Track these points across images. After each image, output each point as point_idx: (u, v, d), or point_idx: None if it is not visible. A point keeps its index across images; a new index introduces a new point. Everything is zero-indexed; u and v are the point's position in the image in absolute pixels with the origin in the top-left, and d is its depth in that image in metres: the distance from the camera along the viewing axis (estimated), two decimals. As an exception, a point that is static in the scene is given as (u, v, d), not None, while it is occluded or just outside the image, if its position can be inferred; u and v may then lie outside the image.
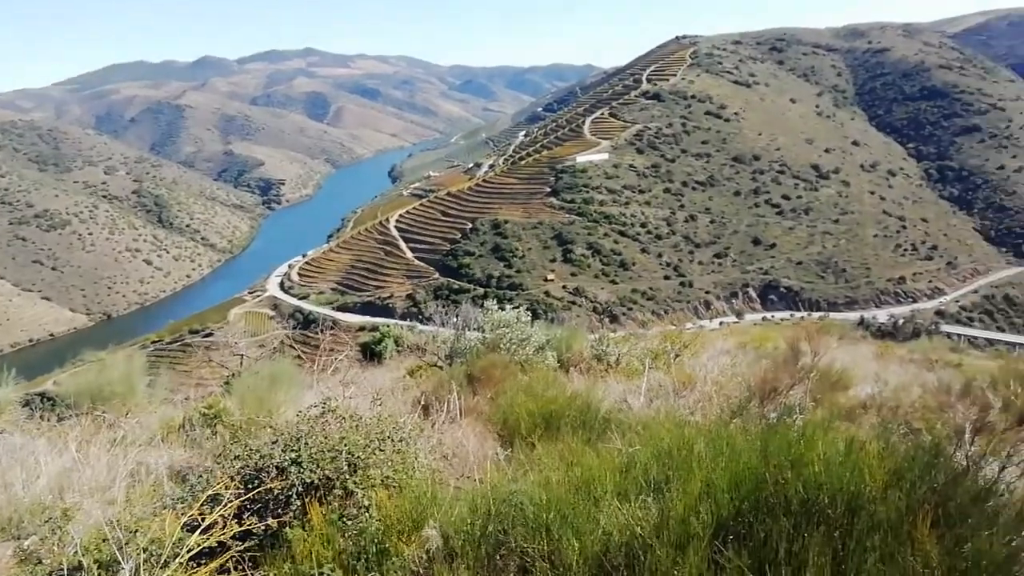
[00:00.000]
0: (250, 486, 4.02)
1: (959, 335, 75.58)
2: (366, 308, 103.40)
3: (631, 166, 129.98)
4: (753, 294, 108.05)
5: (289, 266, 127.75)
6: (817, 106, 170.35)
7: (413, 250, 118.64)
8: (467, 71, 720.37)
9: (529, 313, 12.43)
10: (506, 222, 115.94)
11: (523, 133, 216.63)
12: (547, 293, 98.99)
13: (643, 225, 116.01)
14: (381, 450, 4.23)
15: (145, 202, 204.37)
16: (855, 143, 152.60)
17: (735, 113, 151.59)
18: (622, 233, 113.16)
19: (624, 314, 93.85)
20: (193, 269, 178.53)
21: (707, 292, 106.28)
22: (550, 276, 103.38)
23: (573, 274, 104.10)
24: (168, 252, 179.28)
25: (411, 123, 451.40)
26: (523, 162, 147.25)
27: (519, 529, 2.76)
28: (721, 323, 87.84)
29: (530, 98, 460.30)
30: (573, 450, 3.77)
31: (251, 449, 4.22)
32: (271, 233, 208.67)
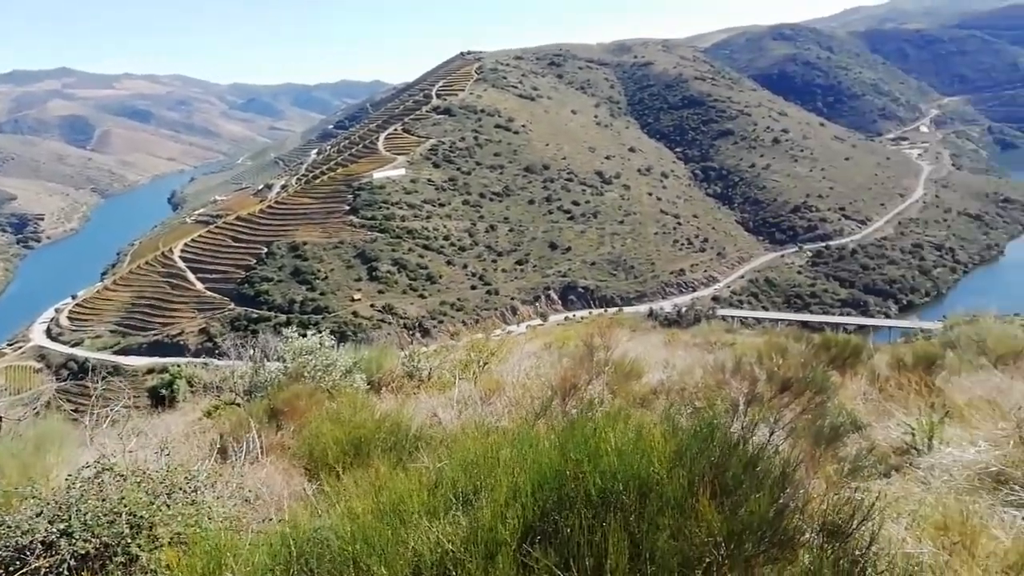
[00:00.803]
0: (11, 569, 3.48)
1: (733, 317, 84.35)
2: (154, 348, 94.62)
3: (429, 180, 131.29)
4: (555, 296, 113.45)
5: (56, 310, 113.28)
6: (596, 116, 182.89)
7: (203, 280, 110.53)
8: (249, 89, 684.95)
9: (334, 336, 12.04)
10: (305, 243, 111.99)
11: (315, 151, 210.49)
12: (355, 313, 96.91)
13: (446, 238, 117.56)
14: (169, 505, 3.85)
15: None
16: (632, 149, 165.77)
17: (523, 125, 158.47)
18: (426, 247, 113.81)
19: (435, 327, 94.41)
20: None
21: (512, 298, 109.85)
22: (357, 296, 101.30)
23: (381, 291, 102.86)
24: None
25: (191, 145, 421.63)
26: (318, 181, 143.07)
27: (326, 566, 2.63)
28: (528, 326, 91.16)
29: (320, 116, 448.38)
30: (382, 474, 3.68)
31: (9, 526, 3.66)
32: (31, 275, 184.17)
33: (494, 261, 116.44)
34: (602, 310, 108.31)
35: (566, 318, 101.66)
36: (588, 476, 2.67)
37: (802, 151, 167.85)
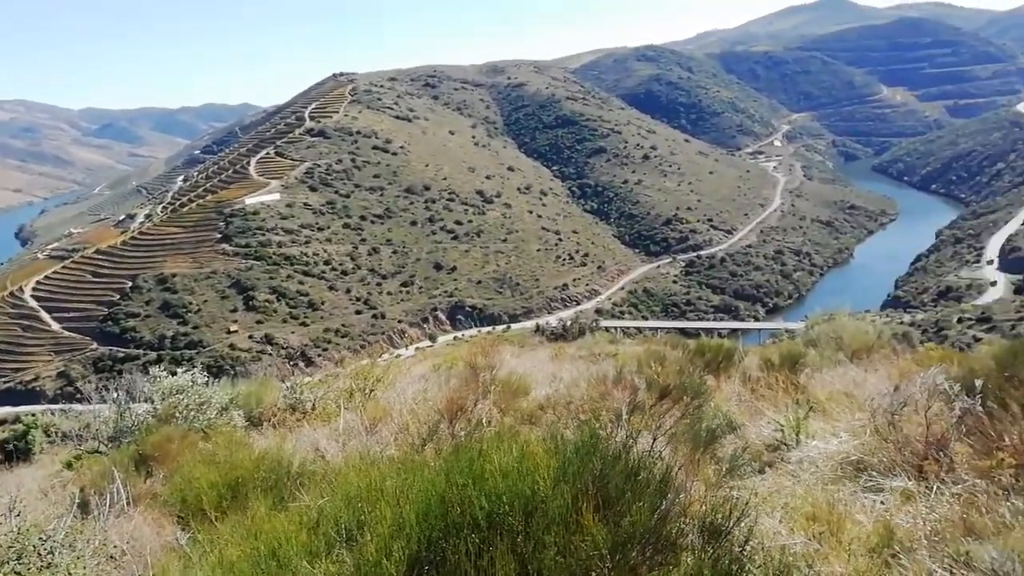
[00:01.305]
0: None
1: (616, 327, 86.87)
2: (5, 397, 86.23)
3: (306, 204, 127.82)
4: (443, 316, 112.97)
5: None
6: (473, 137, 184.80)
7: (60, 320, 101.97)
8: (105, 114, 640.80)
9: (210, 372, 11.39)
10: (174, 275, 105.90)
11: (182, 178, 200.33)
12: (232, 346, 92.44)
13: (327, 263, 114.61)
14: (19, 572, 3.47)
15: None
16: (510, 168, 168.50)
17: (401, 147, 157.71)
18: (306, 273, 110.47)
19: (320, 355, 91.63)
20: None
21: (400, 321, 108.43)
22: (233, 327, 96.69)
23: (259, 321, 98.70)
24: None
25: (40, 175, 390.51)
26: (186, 209, 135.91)
27: (197, 625, 2.44)
28: (417, 349, 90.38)
29: (185, 140, 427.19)
30: (259, 517, 3.48)
31: None
32: None
33: (379, 284, 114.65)
34: (490, 328, 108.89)
35: (455, 338, 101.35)
36: (474, 500, 2.63)
37: (670, 166, 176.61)
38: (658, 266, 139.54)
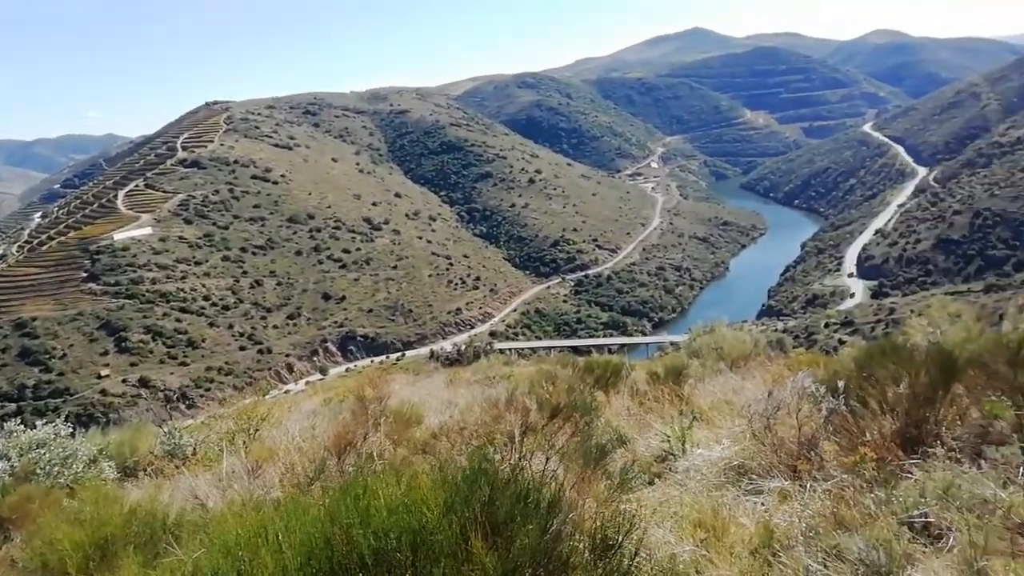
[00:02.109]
0: None
1: (510, 349, 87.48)
2: None
3: (181, 238, 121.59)
4: (333, 348, 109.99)
5: None
6: (358, 164, 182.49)
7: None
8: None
9: (75, 422, 10.55)
10: (34, 319, 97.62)
11: (40, 214, 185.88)
12: (104, 392, 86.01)
13: (206, 298, 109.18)
14: None
15: None
16: (397, 195, 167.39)
17: (282, 175, 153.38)
18: (184, 310, 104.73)
19: (202, 396, 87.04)
20: None
21: (287, 355, 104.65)
22: (104, 372, 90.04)
23: (133, 364, 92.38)
24: None
25: None
26: (46, 247, 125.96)
27: None
28: (307, 383, 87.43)
29: (42, 174, 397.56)
30: (128, 577, 3.21)
31: None
32: None
33: (263, 318, 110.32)
34: (384, 357, 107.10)
35: (347, 369, 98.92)
36: (360, 539, 2.54)
37: (555, 189, 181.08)
38: (548, 286, 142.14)
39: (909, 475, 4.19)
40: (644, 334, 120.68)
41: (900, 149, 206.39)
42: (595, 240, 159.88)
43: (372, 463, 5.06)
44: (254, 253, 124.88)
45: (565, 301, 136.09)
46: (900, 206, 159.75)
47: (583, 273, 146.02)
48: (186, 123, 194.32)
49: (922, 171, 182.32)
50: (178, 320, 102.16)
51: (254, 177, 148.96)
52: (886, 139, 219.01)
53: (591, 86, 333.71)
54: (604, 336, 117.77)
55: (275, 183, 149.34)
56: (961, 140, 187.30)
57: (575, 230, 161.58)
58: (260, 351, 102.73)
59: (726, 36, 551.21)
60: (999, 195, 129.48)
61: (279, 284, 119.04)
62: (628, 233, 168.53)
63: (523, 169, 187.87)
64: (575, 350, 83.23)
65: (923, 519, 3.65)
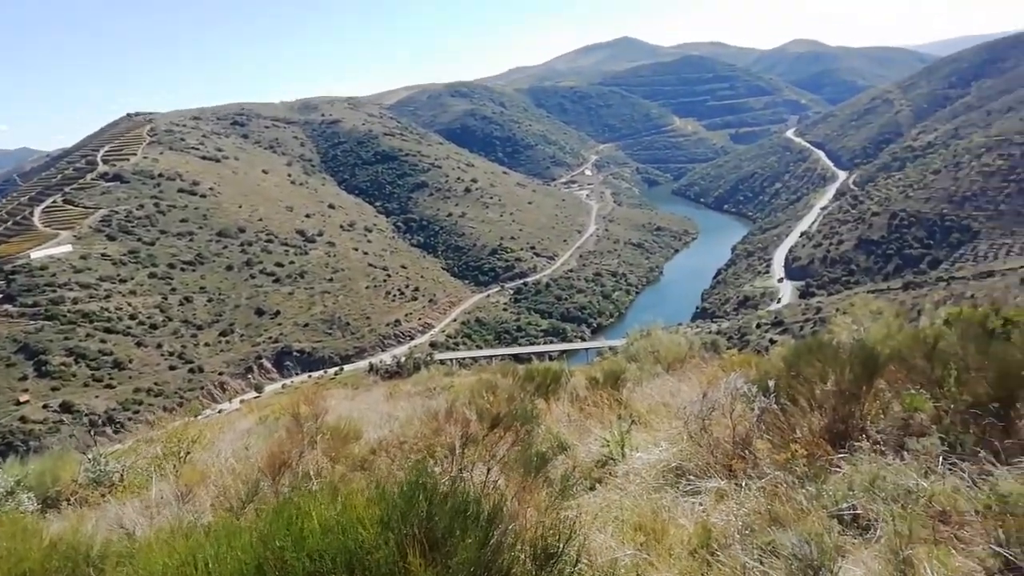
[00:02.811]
0: None
1: (451, 359, 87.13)
2: None
3: (104, 255, 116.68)
4: (268, 364, 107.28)
5: None
6: (290, 175, 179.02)
7: None
8: None
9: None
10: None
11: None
12: (23, 419, 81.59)
13: (132, 317, 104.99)
14: None
15: None
16: (331, 206, 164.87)
17: (210, 188, 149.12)
18: (109, 330, 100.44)
19: (131, 419, 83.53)
20: None
21: (221, 373, 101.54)
22: (23, 398, 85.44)
23: (55, 388, 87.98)
24: None
25: None
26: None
27: None
28: (242, 401, 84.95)
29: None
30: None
31: None
32: None
33: (194, 336, 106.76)
34: (322, 372, 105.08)
35: (284, 386, 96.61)
36: (294, 563, 2.46)
37: (492, 198, 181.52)
38: (488, 295, 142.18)
39: (838, 469, 4.33)
40: (583, 340, 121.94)
41: (821, 154, 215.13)
42: (533, 248, 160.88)
43: (308, 482, 4.93)
44: (183, 269, 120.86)
45: (505, 309, 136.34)
46: (823, 209, 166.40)
47: (522, 281, 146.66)
48: (107, 135, 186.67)
49: (842, 175, 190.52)
50: (103, 341, 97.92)
51: (181, 190, 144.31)
52: (808, 144, 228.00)
53: (524, 95, 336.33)
54: (544, 343, 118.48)
55: (203, 196, 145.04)
56: (877, 144, 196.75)
57: (513, 238, 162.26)
58: (191, 370, 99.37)
59: (655, 45, 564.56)
60: (913, 197, 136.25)
61: (210, 300, 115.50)
62: (565, 240, 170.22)
63: (459, 178, 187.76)
64: (516, 358, 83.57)
65: (852, 511, 3.77)
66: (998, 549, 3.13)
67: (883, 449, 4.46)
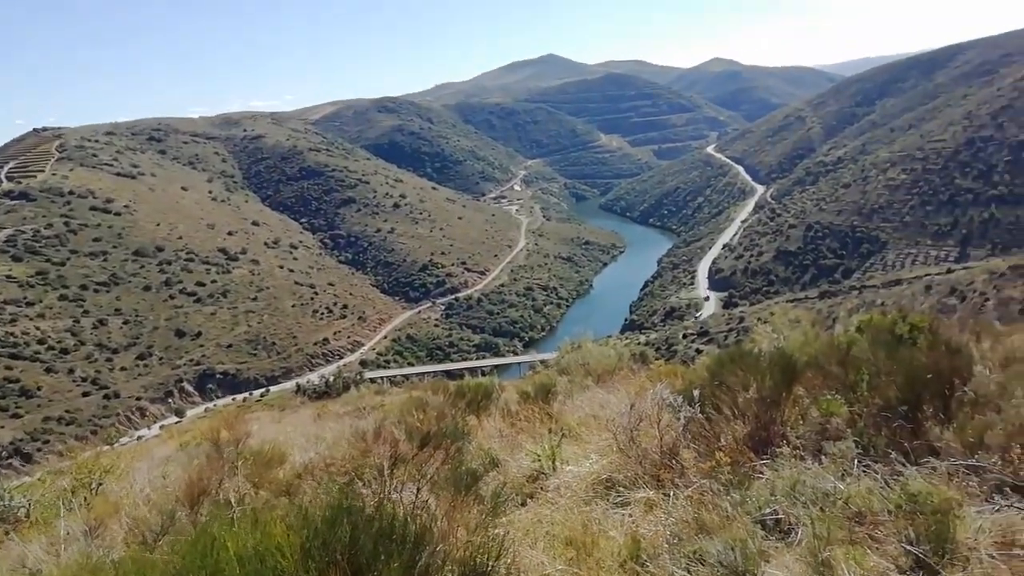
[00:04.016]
0: None
1: (382, 377, 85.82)
2: None
3: (9, 276, 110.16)
4: (190, 388, 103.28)
5: None
6: (211, 192, 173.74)
7: None
8: None
9: None
10: None
11: None
12: (-83, 454, 76.08)
13: (41, 342, 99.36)
14: None
15: None
16: (255, 223, 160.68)
17: (125, 206, 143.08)
18: (15, 356, 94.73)
19: (40, 450, 78.80)
20: None
21: (139, 398, 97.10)
22: (-82, 432, 79.73)
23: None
24: None
25: None
26: None
27: None
28: (162, 427, 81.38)
29: None
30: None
31: None
32: None
33: (109, 360, 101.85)
34: (247, 394, 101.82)
35: (207, 409, 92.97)
36: (209, 598, 2.33)
37: (421, 214, 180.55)
38: (419, 311, 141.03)
39: (761, 475, 4.44)
40: (516, 354, 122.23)
41: (740, 169, 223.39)
42: (464, 263, 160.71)
43: (228, 510, 4.73)
44: (96, 290, 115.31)
45: (436, 325, 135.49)
46: (743, 222, 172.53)
47: (453, 296, 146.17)
48: (11, 151, 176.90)
49: (760, 189, 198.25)
50: (8, 368, 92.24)
51: (93, 208, 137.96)
52: (728, 160, 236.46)
53: (452, 111, 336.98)
54: (477, 358, 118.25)
55: (118, 214, 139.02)
56: (792, 160, 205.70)
57: (443, 253, 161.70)
58: (106, 396, 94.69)
59: (580, 63, 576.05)
60: (826, 209, 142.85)
61: (126, 322, 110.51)
62: (496, 255, 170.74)
63: (387, 194, 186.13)
64: (448, 374, 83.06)
65: (774, 516, 3.87)
66: (909, 548, 3.26)
67: (803, 454, 4.61)
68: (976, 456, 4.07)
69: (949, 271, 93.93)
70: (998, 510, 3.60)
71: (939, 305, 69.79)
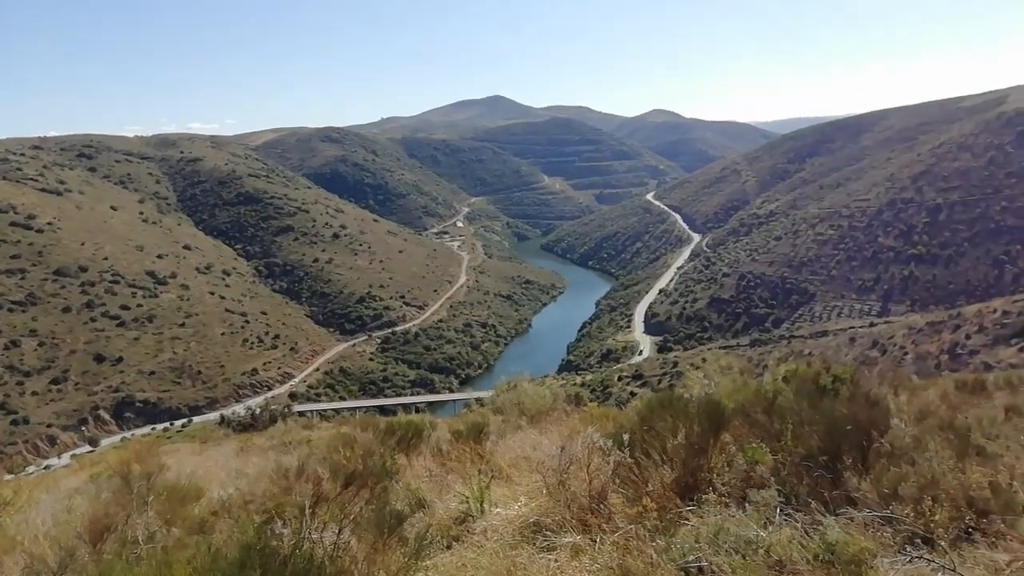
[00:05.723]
0: None
1: (312, 411, 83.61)
2: None
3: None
4: (106, 415, 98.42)
5: None
6: (141, 213, 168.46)
7: None
8: None
9: None
10: None
11: None
12: None
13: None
14: None
15: None
16: (187, 247, 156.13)
17: (48, 223, 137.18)
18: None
19: (-66, 478, 73.43)
20: None
21: (49, 425, 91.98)
22: None
23: None
24: None
25: None
26: None
27: None
28: (73, 456, 77.05)
29: None
30: None
31: None
32: None
33: (20, 383, 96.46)
34: (167, 424, 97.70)
35: (123, 439, 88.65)
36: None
37: (361, 245, 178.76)
38: (354, 344, 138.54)
39: (686, 522, 4.45)
40: (451, 391, 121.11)
41: (678, 217, 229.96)
42: (402, 297, 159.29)
43: (136, 548, 4.46)
44: (11, 310, 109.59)
45: (371, 359, 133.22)
46: (679, 268, 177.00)
47: (390, 330, 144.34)
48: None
49: (696, 237, 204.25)
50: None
51: (14, 224, 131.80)
52: (666, 208, 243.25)
53: (397, 144, 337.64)
54: (412, 394, 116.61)
55: (40, 231, 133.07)
56: (727, 210, 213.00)
57: (382, 286, 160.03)
58: (14, 422, 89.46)
59: (526, 105, 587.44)
60: (759, 260, 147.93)
61: (41, 344, 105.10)
62: (435, 290, 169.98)
63: (327, 224, 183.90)
64: (381, 410, 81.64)
65: (698, 564, 3.87)
66: (827, 597, 3.30)
67: (728, 501, 4.65)
68: (891, 507, 4.19)
69: (872, 324, 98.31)
70: (910, 561, 3.69)
71: (862, 357, 72.73)
